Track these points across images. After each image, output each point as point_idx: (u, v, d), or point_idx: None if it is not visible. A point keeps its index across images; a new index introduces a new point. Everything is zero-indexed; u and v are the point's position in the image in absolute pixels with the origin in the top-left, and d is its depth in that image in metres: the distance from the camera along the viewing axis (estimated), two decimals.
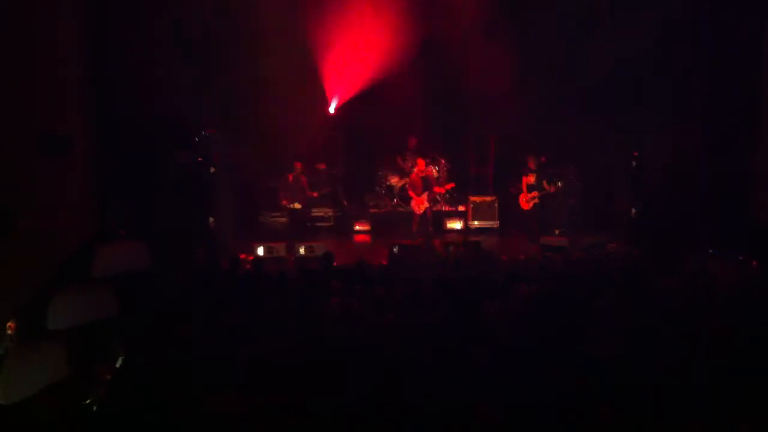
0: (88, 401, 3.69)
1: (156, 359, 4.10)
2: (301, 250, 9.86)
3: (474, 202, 12.50)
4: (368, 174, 13.11)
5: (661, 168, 10.48)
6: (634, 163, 10.81)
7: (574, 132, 11.12)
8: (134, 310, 4.76)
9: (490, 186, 13.10)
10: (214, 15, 10.16)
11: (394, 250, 8.92)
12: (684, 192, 10.10)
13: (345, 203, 12.55)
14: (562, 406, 3.37)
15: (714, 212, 9.53)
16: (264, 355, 4.04)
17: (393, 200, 12.74)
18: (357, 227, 12.23)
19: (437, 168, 12.78)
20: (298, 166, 11.09)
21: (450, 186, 12.45)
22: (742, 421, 3.33)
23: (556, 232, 11.27)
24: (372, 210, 12.67)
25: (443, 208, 12.66)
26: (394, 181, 12.82)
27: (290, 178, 11.16)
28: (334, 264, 7.68)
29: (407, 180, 11.87)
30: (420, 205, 10.82)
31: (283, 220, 11.44)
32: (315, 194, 11.35)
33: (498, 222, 12.43)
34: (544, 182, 11.20)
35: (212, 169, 10.28)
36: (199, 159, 9.97)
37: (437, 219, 12.07)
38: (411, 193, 11.01)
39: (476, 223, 12.43)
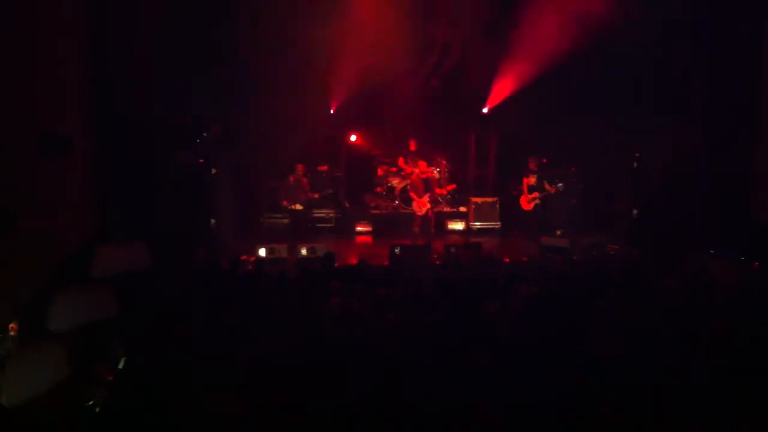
0: (91, 403, 3.69)
1: (156, 359, 4.10)
2: (303, 251, 9.86)
3: (475, 203, 12.51)
4: (369, 175, 13.12)
5: (661, 168, 10.48)
6: (635, 164, 10.82)
7: (575, 133, 11.13)
8: (134, 310, 4.76)
9: (491, 187, 13.11)
10: (215, 15, 10.15)
11: (396, 250, 8.93)
12: (684, 192, 10.09)
13: (346, 204, 12.55)
14: (562, 406, 3.37)
15: (714, 212, 9.53)
16: (264, 355, 4.04)
17: (394, 201, 12.74)
18: (358, 228, 12.24)
19: (438, 169, 12.79)
20: (300, 168, 11.08)
21: (451, 187, 12.46)
22: (742, 421, 3.33)
23: (558, 233, 11.27)
24: (373, 211, 12.68)
25: (444, 209, 12.67)
26: (395, 182, 12.83)
27: (291, 179, 11.16)
28: (336, 265, 7.67)
29: (408, 181, 11.88)
30: (421, 206, 10.83)
31: (285, 221, 11.44)
32: (316, 195, 11.36)
33: (499, 223, 12.44)
34: (545, 183, 11.20)
35: (213, 170, 10.28)
36: (200, 160, 9.97)
37: (439, 220, 12.08)
38: (412, 194, 11.02)
39: (478, 224, 12.44)
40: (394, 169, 12.81)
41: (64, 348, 3.55)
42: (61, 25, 7.12)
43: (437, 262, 9.06)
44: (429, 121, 12.44)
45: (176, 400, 3.48)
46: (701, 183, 9.91)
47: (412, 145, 12.51)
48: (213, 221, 10.11)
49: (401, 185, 12.59)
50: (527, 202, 11.28)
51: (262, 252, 9.77)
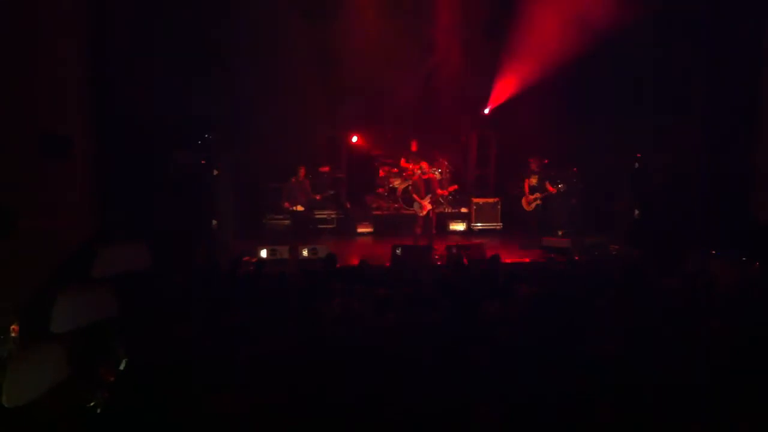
0: (92, 404, 3.69)
1: (156, 359, 4.10)
2: (305, 252, 9.85)
3: (477, 204, 12.52)
4: (371, 176, 13.12)
5: (661, 168, 10.48)
6: (636, 164, 10.82)
7: (575, 133, 11.14)
8: (134, 310, 4.76)
9: (493, 188, 13.11)
10: (215, 15, 10.15)
11: (397, 251, 8.93)
12: (684, 192, 10.09)
13: (348, 205, 12.55)
14: (562, 406, 3.37)
15: (714, 212, 9.53)
16: (264, 355, 4.04)
17: (396, 202, 12.75)
18: (360, 229, 12.24)
19: (440, 170, 12.79)
20: (302, 170, 11.08)
21: (453, 188, 12.46)
22: (742, 421, 3.33)
23: (559, 233, 11.27)
24: (375, 212, 12.68)
25: (446, 210, 12.67)
26: (397, 183, 12.83)
27: (293, 181, 11.16)
28: (337, 267, 7.66)
29: (410, 182, 11.88)
30: (423, 207, 10.83)
31: (286, 222, 11.44)
32: (317, 197, 11.36)
33: (501, 223, 12.44)
34: (547, 183, 11.20)
35: (215, 171, 10.28)
36: (202, 161, 9.97)
37: (440, 221, 12.08)
38: (414, 195, 11.02)
39: (479, 224, 12.44)
40: (395, 170, 12.81)
41: (65, 348, 3.55)
42: (61, 25, 7.12)
43: (438, 263, 9.08)
44: (430, 121, 12.45)
45: (176, 400, 3.48)
46: (701, 183, 9.91)
47: (414, 146, 12.51)
48: (214, 222, 10.11)
49: (403, 186, 12.60)
50: (528, 202, 11.27)
51: (264, 253, 9.77)
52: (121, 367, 4.15)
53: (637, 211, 10.75)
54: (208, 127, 10.18)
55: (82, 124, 7.58)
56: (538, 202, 11.17)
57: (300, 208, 10.88)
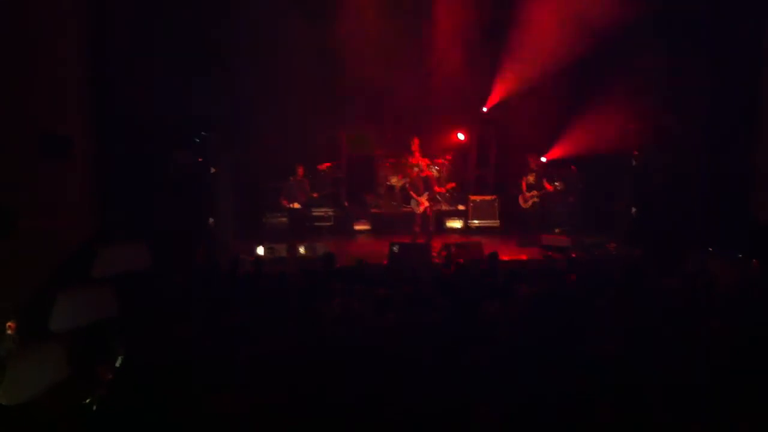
0: (88, 401, 3.69)
1: (156, 359, 4.10)
2: (302, 250, 9.86)
3: (474, 201, 12.51)
4: (369, 174, 13.11)
5: (661, 168, 10.48)
6: (634, 162, 10.81)
7: (575, 132, 11.14)
8: (134, 310, 4.76)
9: (491, 186, 13.11)
10: (215, 15, 10.15)
11: (395, 249, 8.93)
12: (684, 192, 10.09)
13: (346, 203, 12.55)
14: (562, 406, 3.37)
15: (714, 212, 9.53)
16: (264, 355, 4.04)
17: (393, 200, 12.74)
18: (357, 227, 12.24)
19: (437, 168, 12.79)
20: (300, 169, 11.09)
21: (450, 186, 12.46)
22: (742, 421, 3.33)
23: (557, 231, 11.27)
24: (372, 210, 12.68)
25: (443, 208, 12.67)
26: (395, 181, 12.82)
27: (292, 180, 11.17)
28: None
29: (408, 180, 11.87)
30: (420, 204, 10.84)
31: (284, 220, 11.45)
32: (315, 195, 11.36)
33: (498, 221, 12.44)
34: (544, 181, 11.20)
35: (213, 170, 10.28)
36: (200, 159, 9.97)
37: (438, 218, 12.08)
38: (411, 192, 11.03)
39: (476, 222, 12.44)
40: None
41: (64, 348, 3.55)
42: (61, 25, 7.12)
43: (436, 260, 9.08)
44: (430, 120, 12.44)
45: (176, 400, 3.48)
46: (701, 183, 9.91)
47: (414, 142, 12.51)
48: (211, 220, 10.12)
49: (400, 184, 12.59)
50: (525, 200, 11.28)
51: (261, 251, 9.78)
52: (118, 364, 4.16)
53: (634, 209, 10.75)
54: (208, 127, 10.18)
55: (82, 124, 7.58)
56: (536, 199, 11.18)
57: (297, 205, 10.90)
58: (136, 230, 7.60)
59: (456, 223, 12.53)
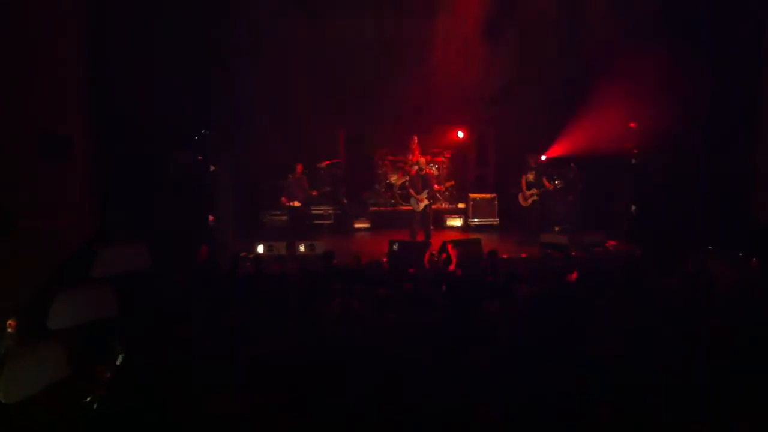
0: (88, 399, 3.69)
1: (156, 359, 4.10)
2: (302, 248, 9.88)
3: (474, 200, 12.53)
4: (368, 172, 13.13)
5: (661, 168, 10.48)
6: (633, 161, 10.81)
7: (575, 131, 11.14)
8: (134, 310, 4.76)
9: (490, 183, 13.12)
10: (215, 15, 10.15)
11: (394, 247, 8.93)
12: (684, 192, 10.09)
13: (345, 201, 12.56)
14: (562, 406, 3.37)
15: (714, 212, 9.53)
16: (264, 355, 4.04)
17: (392, 198, 12.75)
18: (357, 225, 12.26)
19: (437, 166, 12.80)
20: (299, 167, 11.10)
21: (450, 184, 12.47)
22: (742, 421, 3.33)
23: (556, 229, 11.28)
24: (372, 208, 12.69)
25: (443, 206, 12.69)
26: (394, 178, 12.83)
27: (291, 178, 11.18)
28: (334, 262, 7.68)
29: (407, 178, 11.88)
30: (419, 202, 10.85)
31: (284, 218, 11.46)
32: (315, 193, 11.38)
33: (497, 219, 12.46)
34: (544, 179, 11.21)
35: (212, 167, 10.28)
36: (199, 157, 9.97)
37: (437, 216, 12.10)
38: (411, 190, 11.04)
39: (476, 220, 12.46)
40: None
41: (63, 346, 3.55)
42: (61, 25, 7.12)
43: (434, 259, 9.07)
44: (429, 118, 12.44)
45: (176, 400, 3.48)
46: (701, 183, 9.90)
47: (413, 140, 12.52)
48: (211, 219, 10.12)
49: (400, 182, 12.60)
50: (525, 198, 11.29)
51: (260, 249, 9.79)
52: (118, 363, 4.16)
53: (633, 207, 10.75)
54: (208, 127, 10.18)
55: (82, 124, 7.58)
56: (535, 198, 11.19)
57: (297, 203, 10.91)
58: (136, 230, 7.60)
59: (455, 222, 12.54)
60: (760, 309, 5.17)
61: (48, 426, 3.37)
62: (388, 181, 12.94)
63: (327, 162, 12.32)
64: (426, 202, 10.83)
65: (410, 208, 11.18)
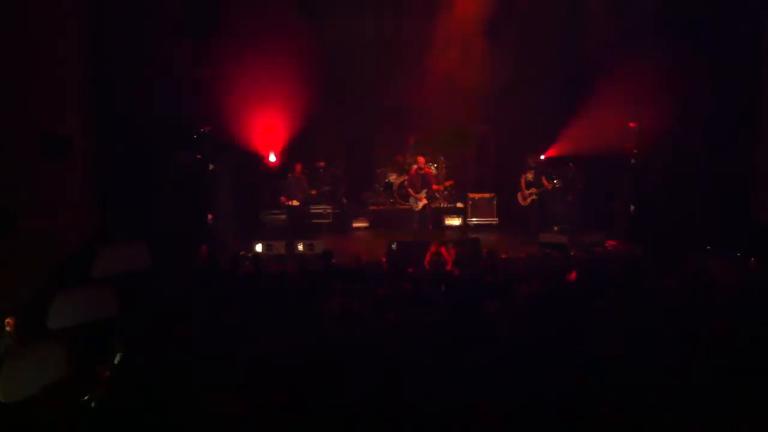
0: (86, 398, 3.69)
1: (156, 359, 4.10)
2: (300, 247, 9.87)
3: (473, 199, 12.53)
4: (367, 171, 13.13)
5: (661, 168, 10.47)
6: (633, 161, 10.80)
7: (574, 130, 11.13)
8: (134, 310, 4.76)
9: (489, 183, 13.12)
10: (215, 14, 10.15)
11: (393, 246, 8.93)
12: (684, 192, 10.09)
13: (344, 201, 12.57)
14: (562, 406, 3.37)
15: (714, 212, 9.52)
16: (264, 355, 4.04)
17: (391, 198, 12.75)
18: (355, 224, 12.26)
19: (436, 165, 12.80)
20: (299, 166, 11.10)
21: (449, 183, 12.47)
22: (742, 421, 3.33)
23: (555, 229, 11.28)
24: (371, 207, 12.69)
25: (442, 205, 12.69)
26: (393, 178, 12.83)
27: (290, 177, 11.18)
28: (333, 261, 7.68)
29: (406, 177, 11.88)
30: (418, 202, 10.86)
31: (283, 217, 11.47)
32: (314, 192, 11.38)
33: (496, 219, 12.45)
34: (543, 178, 11.21)
35: (211, 166, 10.28)
36: (198, 156, 9.97)
37: (436, 216, 12.10)
38: (410, 190, 11.04)
39: (475, 220, 12.46)
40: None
41: (63, 346, 3.55)
42: (61, 25, 7.12)
43: (435, 259, 9.07)
44: (428, 117, 12.44)
45: (176, 400, 3.48)
46: (701, 183, 9.90)
47: (411, 140, 12.54)
48: (210, 218, 10.12)
49: (398, 181, 12.60)
50: (524, 197, 11.29)
51: (259, 248, 9.79)
52: (116, 362, 4.16)
53: (632, 207, 10.74)
54: (204, 125, 10.18)
55: (82, 124, 7.58)
56: (534, 197, 11.18)
57: (296, 203, 10.91)
58: (136, 230, 7.60)
59: (455, 221, 12.54)
60: (760, 309, 5.17)
61: (48, 426, 3.36)
62: (387, 181, 12.93)
63: (324, 163, 12.32)
64: (425, 201, 10.83)
65: (409, 207, 11.19)
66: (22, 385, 3.28)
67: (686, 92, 9.41)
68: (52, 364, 3.44)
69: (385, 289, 5.73)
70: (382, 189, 12.95)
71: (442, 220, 12.43)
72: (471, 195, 12.57)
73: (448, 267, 7.87)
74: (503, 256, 8.98)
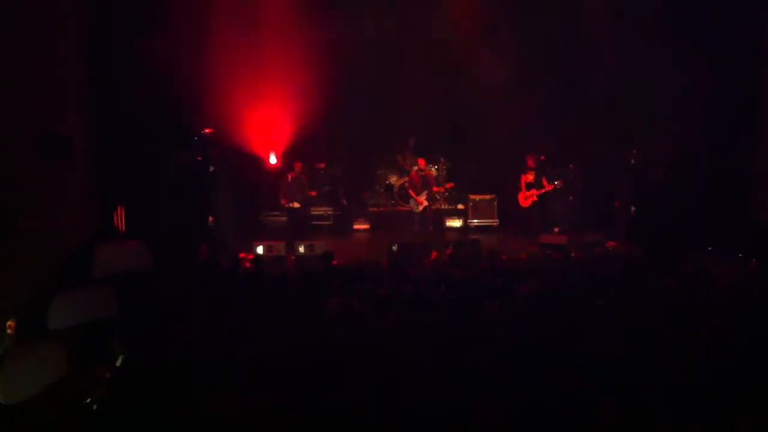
0: (88, 401, 3.69)
1: (156, 359, 4.10)
2: (301, 249, 9.87)
3: (473, 201, 12.53)
4: (368, 173, 13.13)
5: (661, 168, 10.48)
6: (633, 161, 10.81)
7: (574, 130, 11.14)
8: (134, 310, 4.76)
9: (490, 185, 13.12)
10: (214, 14, 10.15)
11: (393, 248, 8.93)
12: (684, 192, 10.09)
13: (344, 202, 12.57)
14: (562, 406, 3.37)
15: (714, 212, 9.53)
16: (264, 355, 4.04)
17: (392, 199, 12.76)
18: (356, 226, 12.26)
19: (436, 167, 12.80)
20: (298, 166, 11.11)
21: (449, 185, 12.48)
22: (742, 421, 3.33)
23: (555, 230, 11.28)
24: (371, 209, 12.70)
25: (442, 207, 12.70)
26: (393, 179, 12.84)
27: (290, 177, 11.19)
28: (334, 263, 7.68)
29: (406, 179, 11.89)
30: (419, 203, 10.85)
31: (283, 219, 11.46)
32: (314, 193, 11.38)
33: (497, 220, 12.46)
34: (544, 180, 11.21)
35: (211, 168, 10.28)
36: (198, 158, 9.97)
37: (437, 217, 12.10)
38: (410, 191, 11.04)
39: (475, 221, 12.46)
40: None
41: (63, 346, 3.55)
42: (61, 25, 7.13)
43: (434, 259, 9.06)
44: (428, 118, 12.45)
45: (176, 400, 3.48)
46: (701, 183, 9.90)
47: (411, 141, 12.53)
48: (210, 218, 10.12)
49: (399, 182, 12.61)
50: (524, 198, 11.29)
51: (260, 249, 9.79)
52: (118, 364, 4.15)
53: (633, 208, 10.75)
54: (206, 126, 10.18)
55: (82, 124, 7.58)
56: (534, 198, 11.18)
57: (296, 204, 10.91)
58: (136, 230, 7.60)
59: (455, 223, 12.55)
60: (760, 309, 5.17)
61: (48, 426, 3.36)
62: (387, 182, 12.94)
63: (323, 164, 12.33)
64: (425, 203, 10.83)
65: (410, 209, 11.18)
66: (22, 386, 3.28)
67: (686, 92, 9.42)
68: (53, 364, 3.44)
69: (385, 289, 5.72)
70: (382, 190, 12.96)
71: (443, 222, 12.43)
72: (471, 196, 12.58)
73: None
74: (504, 257, 8.98)
